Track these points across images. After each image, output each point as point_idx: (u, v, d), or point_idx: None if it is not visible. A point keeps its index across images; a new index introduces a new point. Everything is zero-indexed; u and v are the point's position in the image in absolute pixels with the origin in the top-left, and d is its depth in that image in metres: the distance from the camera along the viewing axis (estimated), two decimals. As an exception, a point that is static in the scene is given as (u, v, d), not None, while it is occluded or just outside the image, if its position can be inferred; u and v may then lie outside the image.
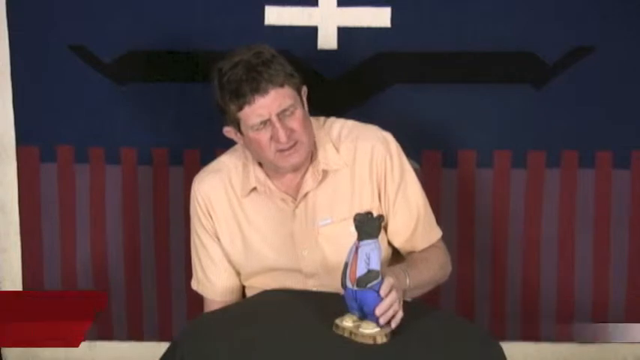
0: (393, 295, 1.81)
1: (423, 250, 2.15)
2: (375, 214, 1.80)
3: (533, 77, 2.58)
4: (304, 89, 2.09)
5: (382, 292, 1.80)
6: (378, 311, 1.79)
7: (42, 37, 2.60)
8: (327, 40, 2.57)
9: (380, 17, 2.55)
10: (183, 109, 2.63)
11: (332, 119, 2.18)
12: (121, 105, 2.64)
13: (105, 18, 2.59)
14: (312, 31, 2.57)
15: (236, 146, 2.18)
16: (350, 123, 2.18)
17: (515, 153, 2.62)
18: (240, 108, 2.01)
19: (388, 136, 2.15)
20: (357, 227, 1.79)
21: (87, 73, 2.61)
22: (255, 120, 2.01)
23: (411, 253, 2.15)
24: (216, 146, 2.35)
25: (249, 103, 1.99)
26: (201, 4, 2.57)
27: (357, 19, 2.56)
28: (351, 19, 2.56)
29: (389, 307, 1.80)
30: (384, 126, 2.19)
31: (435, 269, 2.12)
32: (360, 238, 1.79)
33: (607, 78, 2.57)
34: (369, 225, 1.79)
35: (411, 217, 2.14)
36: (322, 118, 2.18)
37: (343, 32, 2.57)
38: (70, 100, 2.64)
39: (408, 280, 1.96)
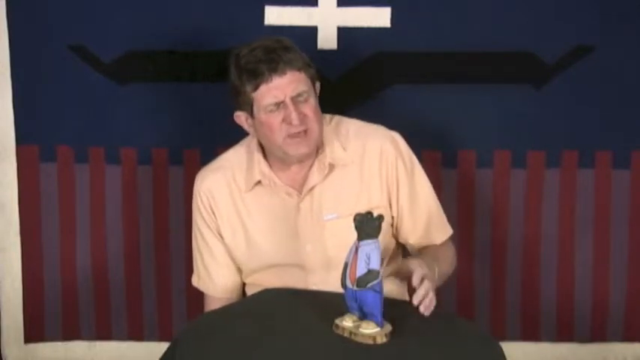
0: (426, 283, 1.84)
1: (437, 246, 2.17)
2: (375, 214, 1.80)
3: (533, 77, 2.58)
4: (318, 85, 2.12)
5: (414, 283, 1.83)
6: (415, 300, 1.81)
7: (42, 37, 2.60)
8: (327, 40, 2.57)
9: (380, 17, 2.55)
10: (184, 109, 2.63)
11: (338, 117, 2.20)
12: (121, 105, 2.63)
13: (105, 18, 2.59)
14: (312, 31, 2.57)
15: (240, 143, 2.20)
16: (357, 122, 2.20)
17: (515, 153, 2.62)
18: (257, 87, 2.03)
19: (396, 135, 2.17)
20: (357, 227, 1.79)
21: (87, 73, 2.61)
22: (269, 100, 2.03)
23: (427, 247, 2.17)
24: (216, 146, 2.35)
25: (267, 81, 2.01)
26: (201, 4, 2.57)
27: (357, 19, 2.56)
28: (351, 19, 2.56)
29: (425, 296, 1.83)
30: (384, 126, 2.20)
31: (449, 262, 2.17)
32: (360, 238, 1.79)
33: (607, 78, 2.57)
34: (369, 225, 1.79)
35: (425, 214, 2.17)
36: (328, 116, 2.19)
37: (343, 32, 2.57)
38: (70, 100, 2.63)
39: (437, 269, 1.98)
